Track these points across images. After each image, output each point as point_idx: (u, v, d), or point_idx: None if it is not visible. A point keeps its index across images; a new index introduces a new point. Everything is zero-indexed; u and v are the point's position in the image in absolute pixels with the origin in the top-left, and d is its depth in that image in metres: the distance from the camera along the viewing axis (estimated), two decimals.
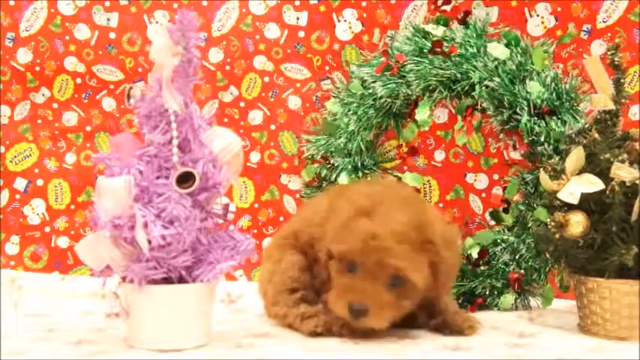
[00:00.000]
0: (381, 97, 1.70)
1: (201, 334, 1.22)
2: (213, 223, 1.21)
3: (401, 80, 1.69)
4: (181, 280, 1.18)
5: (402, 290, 1.21)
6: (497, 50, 1.63)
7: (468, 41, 1.65)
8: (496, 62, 1.62)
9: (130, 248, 1.15)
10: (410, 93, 1.69)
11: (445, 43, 1.66)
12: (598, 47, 1.75)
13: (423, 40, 1.69)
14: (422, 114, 1.69)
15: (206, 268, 1.18)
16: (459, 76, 1.64)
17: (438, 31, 1.69)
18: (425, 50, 1.68)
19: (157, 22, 1.88)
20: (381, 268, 1.18)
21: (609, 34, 1.75)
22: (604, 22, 1.75)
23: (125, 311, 1.20)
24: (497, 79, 1.60)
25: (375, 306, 1.19)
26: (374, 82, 1.71)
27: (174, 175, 1.15)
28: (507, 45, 1.65)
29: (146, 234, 1.11)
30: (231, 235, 1.22)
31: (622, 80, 1.33)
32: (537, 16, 1.77)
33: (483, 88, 1.62)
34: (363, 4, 1.84)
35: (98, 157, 1.21)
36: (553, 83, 1.59)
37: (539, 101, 1.57)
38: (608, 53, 1.33)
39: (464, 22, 1.71)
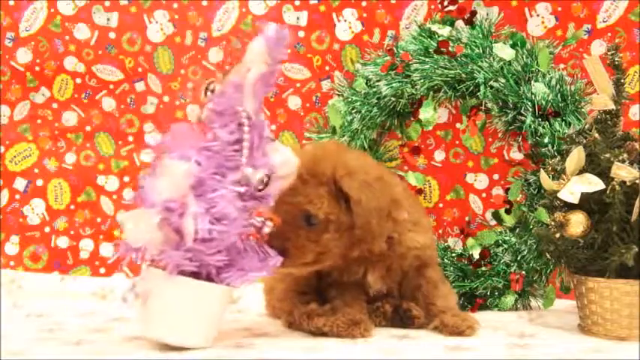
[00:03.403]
0: (385, 96, 1.70)
1: (210, 336, 1.22)
2: (250, 233, 1.22)
3: (406, 79, 1.69)
4: (209, 278, 1.18)
5: (320, 227, 1.25)
6: (503, 51, 1.63)
7: (474, 41, 1.65)
8: (502, 63, 1.62)
9: (173, 234, 1.14)
10: (414, 92, 1.69)
11: (451, 43, 1.66)
12: (598, 47, 1.75)
13: (429, 39, 1.70)
14: (426, 113, 1.69)
15: (236, 272, 1.19)
16: (464, 76, 1.64)
17: (444, 30, 1.69)
18: (430, 50, 1.68)
19: (156, 22, 1.88)
20: (288, 208, 1.25)
21: (609, 34, 1.75)
22: (604, 22, 1.75)
23: (144, 296, 1.18)
24: (502, 80, 1.61)
25: (292, 244, 1.25)
26: (378, 80, 1.71)
27: (258, 175, 1.16)
28: (513, 46, 1.65)
29: (195, 224, 1.12)
30: (261, 248, 1.23)
31: (622, 80, 1.34)
32: (537, 16, 1.77)
33: (488, 88, 1.62)
34: (363, 4, 1.84)
35: (154, 142, 1.23)
36: (558, 85, 1.59)
37: (544, 102, 1.57)
38: (608, 53, 1.34)
39: (470, 23, 1.71)
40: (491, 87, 1.62)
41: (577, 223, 1.29)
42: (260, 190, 1.17)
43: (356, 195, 1.24)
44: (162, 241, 1.15)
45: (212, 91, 1.19)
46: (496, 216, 1.74)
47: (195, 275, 1.17)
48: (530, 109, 1.58)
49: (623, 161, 1.26)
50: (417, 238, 1.36)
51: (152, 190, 1.16)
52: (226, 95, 1.18)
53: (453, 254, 1.69)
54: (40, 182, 1.91)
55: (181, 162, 1.15)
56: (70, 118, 1.91)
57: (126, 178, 1.89)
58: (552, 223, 1.31)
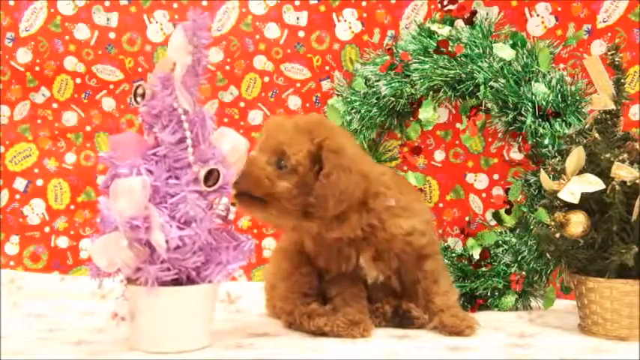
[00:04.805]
0: (384, 96, 1.70)
1: (207, 334, 1.23)
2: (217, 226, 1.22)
3: (405, 79, 1.69)
4: (189, 280, 1.18)
5: (284, 173, 1.27)
6: (503, 51, 1.63)
7: (474, 41, 1.65)
8: (502, 63, 1.62)
9: (144, 250, 1.13)
10: (414, 92, 1.69)
11: (451, 43, 1.66)
12: (598, 47, 1.75)
13: (429, 39, 1.70)
14: (426, 113, 1.70)
15: (215, 268, 1.18)
16: (463, 76, 1.64)
17: (444, 30, 1.69)
18: (430, 50, 1.68)
19: (156, 22, 1.88)
20: (270, 142, 1.29)
21: (609, 34, 1.75)
22: (604, 22, 1.75)
23: (131, 314, 1.19)
24: (502, 80, 1.60)
25: (254, 172, 1.25)
26: (378, 80, 1.71)
27: (202, 173, 1.14)
28: (513, 46, 1.65)
29: (164, 235, 1.10)
30: (232, 235, 1.22)
31: (622, 80, 1.34)
32: (537, 16, 1.77)
33: (488, 88, 1.62)
34: (363, 4, 1.84)
35: (104, 156, 1.19)
36: (558, 85, 1.59)
37: (544, 103, 1.57)
38: (608, 53, 1.34)
39: (470, 22, 1.71)
40: (491, 87, 1.62)
41: (577, 223, 1.29)
42: (211, 186, 1.16)
43: (329, 168, 1.26)
44: (135, 259, 1.13)
45: (142, 96, 1.16)
46: (496, 216, 1.74)
47: (176, 281, 1.17)
48: (531, 110, 1.58)
49: (623, 161, 1.26)
50: (401, 224, 1.35)
51: (112, 212, 1.14)
52: (158, 96, 1.16)
53: (453, 254, 1.69)
54: (40, 182, 1.91)
55: (134, 177, 1.13)
56: (70, 118, 1.91)
57: None
58: (552, 223, 1.31)
